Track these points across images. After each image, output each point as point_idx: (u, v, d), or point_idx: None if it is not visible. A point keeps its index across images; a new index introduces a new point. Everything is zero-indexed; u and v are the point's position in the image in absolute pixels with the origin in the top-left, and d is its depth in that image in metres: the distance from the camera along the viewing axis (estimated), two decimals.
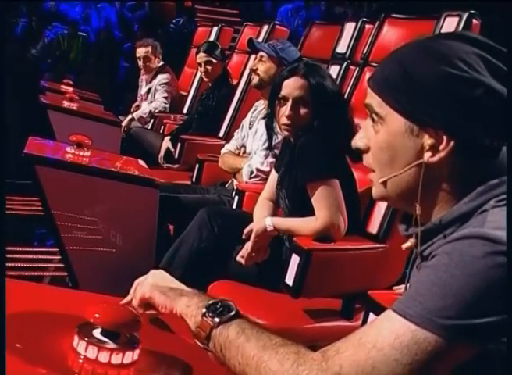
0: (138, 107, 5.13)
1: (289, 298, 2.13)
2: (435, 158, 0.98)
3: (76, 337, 0.96)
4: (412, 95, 0.99)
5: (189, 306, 1.05)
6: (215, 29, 5.02)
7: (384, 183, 1.05)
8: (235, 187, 2.99)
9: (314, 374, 0.91)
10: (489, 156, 0.99)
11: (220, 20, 9.57)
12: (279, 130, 2.35)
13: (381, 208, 2.22)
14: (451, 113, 0.97)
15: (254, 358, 0.95)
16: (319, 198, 2.12)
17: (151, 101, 4.98)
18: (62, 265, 2.59)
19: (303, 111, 2.21)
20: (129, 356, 0.95)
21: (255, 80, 3.02)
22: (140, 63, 5.10)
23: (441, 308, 0.88)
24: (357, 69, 2.65)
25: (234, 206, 2.74)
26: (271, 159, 2.87)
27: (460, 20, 2.19)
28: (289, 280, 2.08)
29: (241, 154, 3.19)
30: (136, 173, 2.44)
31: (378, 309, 1.60)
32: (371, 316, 1.62)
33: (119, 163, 2.52)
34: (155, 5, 8.73)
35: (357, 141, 1.08)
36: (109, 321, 0.96)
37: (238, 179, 3.01)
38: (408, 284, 1.12)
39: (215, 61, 4.01)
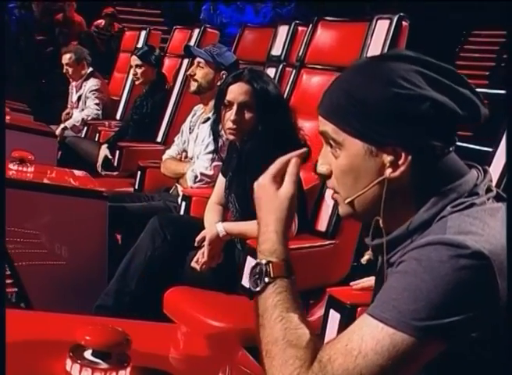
0: (69, 115, 5.07)
1: (246, 299, 2.18)
2: (397, 173, 1.05)
3: (68, 361, 0.99)
4: (364, 119, 1.04)
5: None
6: (144, 33, 5.01)
7: (350, 203, 1.10)
8: (180, 193, 3.03)
9: None
10: (442, 162, 1.07)
11: (143, 21, 9.54)
12: (224, 133, 2.40)
13: (328, 206, 2.31)
14: (404, 130, 1.03)
15: (267, 345, 1.02)
16: None
17: (83, 109, 4.93)
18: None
19: (248, 115, 2.27)
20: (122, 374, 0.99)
21: (194, 86, 3.05)
22: (65, 70, 5.03)
23: (414, 311, 0.96)
24: (294, 71, 2.72)
25: (182, 212, 2.77)
26: (214, 163, 2.91)
27: (390, 23, 2.30)
28: (246, 282, 2.14)
29: (183, 159, 3.22)
30: (86, 186, 2.44)
31: (338, 306, 1.68)
32: (332, 312, 1.69)
33: (66, 177, 2.51)
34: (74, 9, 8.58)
35: (319, 168, 1.13)
36: (100, 342, 0.99)
37: (182, 184, 3.03)
38: (376, 288, 1.20)
39: (147, 65, 4.01)
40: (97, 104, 4.89)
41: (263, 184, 1.20)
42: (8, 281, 2.70)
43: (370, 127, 1.05)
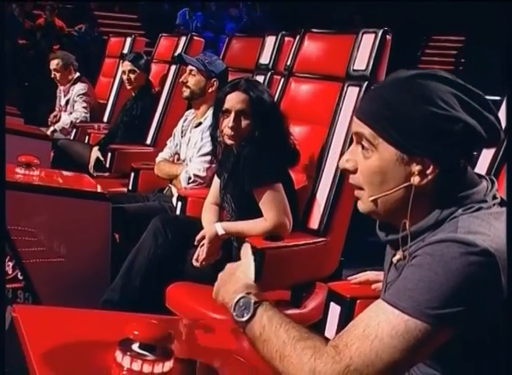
0: (56, 117, 5.07)
1: None
2: (424, 182, 1.14)
3: (118, 353, 1.04)
4: (402, 130, 1.12)
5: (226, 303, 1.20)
6: (129, 39, 5.03)
7: (374, 201, 1.18)
8: (174, 193, 3.08)
9: (329, 366, 1.05)
10: (462, 174, 1.17)
11: (120, 26, 9.51)
12: (221, 138, 2.46)
13: (320, 205, 2.38)
14: (436, 145, 1.12)
15: (277, 353, 1.08)
16: (267, 202, 2.26)
17: (71, 112, 4.94)
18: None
19: (244, 122, 2.34)
20: (167, 365, 1.05)
21: (186, 92, 3.10)
22: (53, 75, 5.04)
23: (427, 300, 1.04)
24: (283, 79, 2.79)
25: (178, 212, 2.82)
26: (207, 165, 2.98)
27: (376, 36, 2.39)
28: None
29: (175, 161, 3.27)
30: (91, 188, 2.48)
31: (339, 299, 1.75)
32: (332, 304, 1.75)
33: (71, 180, 2.55)
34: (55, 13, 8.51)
35: (345, 163, 1.21)
36: (148, 336, 1.05)
37: (176, 185, 3.08)
38: (388, 279, 1.28)
39: (138, 70, 4.04)
40: (84, 107, 4.90)
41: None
42: (16, 278, 2.73)
43: (406, 138, 1.13)
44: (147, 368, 1.03)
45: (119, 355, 1.04)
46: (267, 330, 1.10)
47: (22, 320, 1.08)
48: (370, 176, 1.17)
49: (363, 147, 1.17)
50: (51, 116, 5.12)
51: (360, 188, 1.20)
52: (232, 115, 2.32)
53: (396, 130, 1.13)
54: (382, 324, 1.05)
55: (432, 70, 1.18)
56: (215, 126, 2.42)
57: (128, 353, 1.04)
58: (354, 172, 1.20)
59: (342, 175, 2.34)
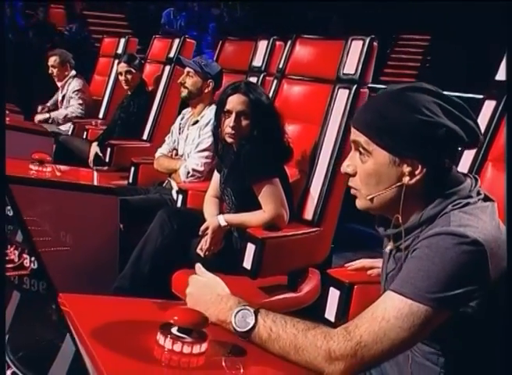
0: (44, 109, 5.08)
1: (244, 278, 2.32)
2: (413, 181, 1.22)
3: (160, 336, 1.11)
4: (394, 136, 1.21)
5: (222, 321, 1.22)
6: (123, 40, 5.04)
7: (371, 199, 1.27)
8: (173, 186, 3.13)
9: (342, 344, 1.13)
10: (447, 173, 1.26)
11: (108, 25, 9.46)
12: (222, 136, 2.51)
13: (313, 198, 2.45)
14: (423, 148, 1.21)
15: (291, 346, 1.15)
16: (266, 195, 2.33)
17: (67, 107, 4.95)
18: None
19: (244, 122, 2.40)
20: (204, 346, 1.12)
21: (184, 92, 3.15)
22: (50, 70, 5.05)
23: (427, 286, 1.13)
24: (276, 80, 2.85)
25: (179, 204, 2.87)
26: (204, 160, 3.04)
27: (364, 43, 2.46)
28: (247, 264, 2.27)
29: (173, 156, 3.32)
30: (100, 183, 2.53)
31: (338, 284, 1.82)
32: (332, 289, 1.82)
33: (82, 175, 2.59)
34: (47, 13, 8.44)
35: (346, 168, 1.30)
36: (186, 321, 1.11)
37: (175, 179, 3.13)
38: (388, 269, 1.36)
39: (134, 71, 4.07)
40: (80, 104, 4.93)
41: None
42: (22, 266, 2.76)
43: (397, 143, 1.21)
44: (186, 349, 1.10)
45: (160, 338, 1.10)
46: (274, 330, 1.16)
47: (70, 308, 1.14)
48: (367, 177, 1.26)
49: (360, 153, 1.26)
50: (40, 107, 5.13)
51: (358, 189, 1.28)
52: (233, 115, 2.38)
53: (388, 136, 1.21)
54: (389, 308, 1.14)
55: (418, 83, 1.26)
56: (216, 126, 2.48)
57: (169, 336, 1.10)
58: (354, 175, 1.28)
59: (333, 170, 2.42)
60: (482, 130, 1.76)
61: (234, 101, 2.39)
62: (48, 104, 5.25)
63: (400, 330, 1.13)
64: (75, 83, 4.97)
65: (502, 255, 1.18)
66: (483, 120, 1.84)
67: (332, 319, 1.79)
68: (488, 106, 1.83)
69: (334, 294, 1.82)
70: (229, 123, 2.39)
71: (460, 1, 9.29)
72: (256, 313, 1.19)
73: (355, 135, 1.27)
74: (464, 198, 1.22)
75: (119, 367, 1.02)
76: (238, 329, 1.19)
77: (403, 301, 1.14)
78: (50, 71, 5.05)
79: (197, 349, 1.10)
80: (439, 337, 1.22)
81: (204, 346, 1.12)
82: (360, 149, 1.25)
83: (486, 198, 1.27)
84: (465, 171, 1.77)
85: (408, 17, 10.81)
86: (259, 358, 1.17)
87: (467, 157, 1.85)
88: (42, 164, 2.55)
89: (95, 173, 2.82)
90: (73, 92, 4.95)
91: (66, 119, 4.87)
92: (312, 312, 2.35)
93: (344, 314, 1.76)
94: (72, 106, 4.92)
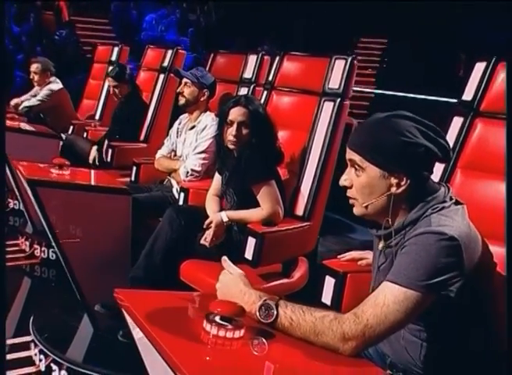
0: (18, 105, 4.98)
1: (244, 266, 2.44)
2: (399, 191, 1.40)
3: (206, 324, 1.23)
4: (383, 155, 1.38)
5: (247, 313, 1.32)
6: (116, 49, 5.07)
7: (366, 207, 1.44)
8: (173, 185, 3.24)
9: (353, 326, 1.28)
10: (426, 183, 1.43)
11: (94, 29, 9.40)
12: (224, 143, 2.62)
13: (304, 196, 2.59)
14: (406, 163, 1.38)
15: (310, 331, 1.29)
16: (263, 195, 2.46)
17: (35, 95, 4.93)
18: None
19: (244, 131, 2.52)
20: (242, 332, 1.25)
21: (182, 101, 3.25)
22: (32, 76, 5.01)
23: (417, 276, 1.30)
24: (266, 92, 2.96)
25: (181, 201, 2.98)
26: (202, 161, 3.15)
27: (346, 62, 2.59)
28: (249, 255, 2.39)
29: (172, 157, 3.42)
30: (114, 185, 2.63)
31: (333, 273, 1.95)
32: (328, 277, 1.94)
33: (98, 177, 2.68)
34: (38, 19, 8.35)
35: (343, 182, 1.46)
36: (228, 311, 1.24)
37: (175, 177, 3.24)
38: (379, 263, 1.52)
39: (122, 84, 4.10)
40: (42, 99, 4.86)
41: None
42: (33, 255, 2.79)
43: (386, 160, 1.39)
44: (229, 334, 1.23)
45: (207, 325, 1.23)
46: (294, 319, 1.30)
47: (128, 302, 1.26)
48: (362, 189, 1.42)
49: (355, 169, 1.42)
50: (13, 103, 5.03)
51: (355, 198, 1.44)
52: (235, 125, 2.50)
53: (378, 155, 1.38)
54: (388, 296, 1.30)
55: (400, 112, 1.42)
56: (219, 133, 2.60)
57: (214, 323, 1.23)
58: (351, 187, 1.45)
59: (321, 172, 2.56)
60: (452, 142, 1.95)
61: (236, 113, 2.51)
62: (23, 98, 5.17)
63: (397, 312, 1.29)
64: (52, 85, 4.94)
65: (473, 247, 1.36)
66: (452, 133, 1.99)
67: (329, 303, 1.92)
68: (457, 122, 1.99)
69: (330, 282, 1.95)
70: (231, 132, 2.51)
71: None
72: (277, 306, 1.32)
73: (350, 154, 1.43)
74: (440, 203, 1.40)
75: (181, 350, 1.14)
76: (263, 320, 1.32)
77: (399, 289, 1.30)
78: (31, 76, 4.99)
79: (236, 334, 1.23)
80: (423, 317, 1.39)
81: (243, 332, 1.25)
82: (356, 166, 1.42)
83: (457, 202, 1.45)
84: (437, 179, 1.92)
85: (367, 21, 10.94)
86: (285, 340, 1.30)
87: (439, 167, 2.00)
88: (61, 168, 2.62)
89: (102, 173, 2.90)
90: (47, 89, 4.91)
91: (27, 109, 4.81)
92: (302, 296, 2.50)
93: (339, 298, 1.90)
94: (38, 96, 4.88)
